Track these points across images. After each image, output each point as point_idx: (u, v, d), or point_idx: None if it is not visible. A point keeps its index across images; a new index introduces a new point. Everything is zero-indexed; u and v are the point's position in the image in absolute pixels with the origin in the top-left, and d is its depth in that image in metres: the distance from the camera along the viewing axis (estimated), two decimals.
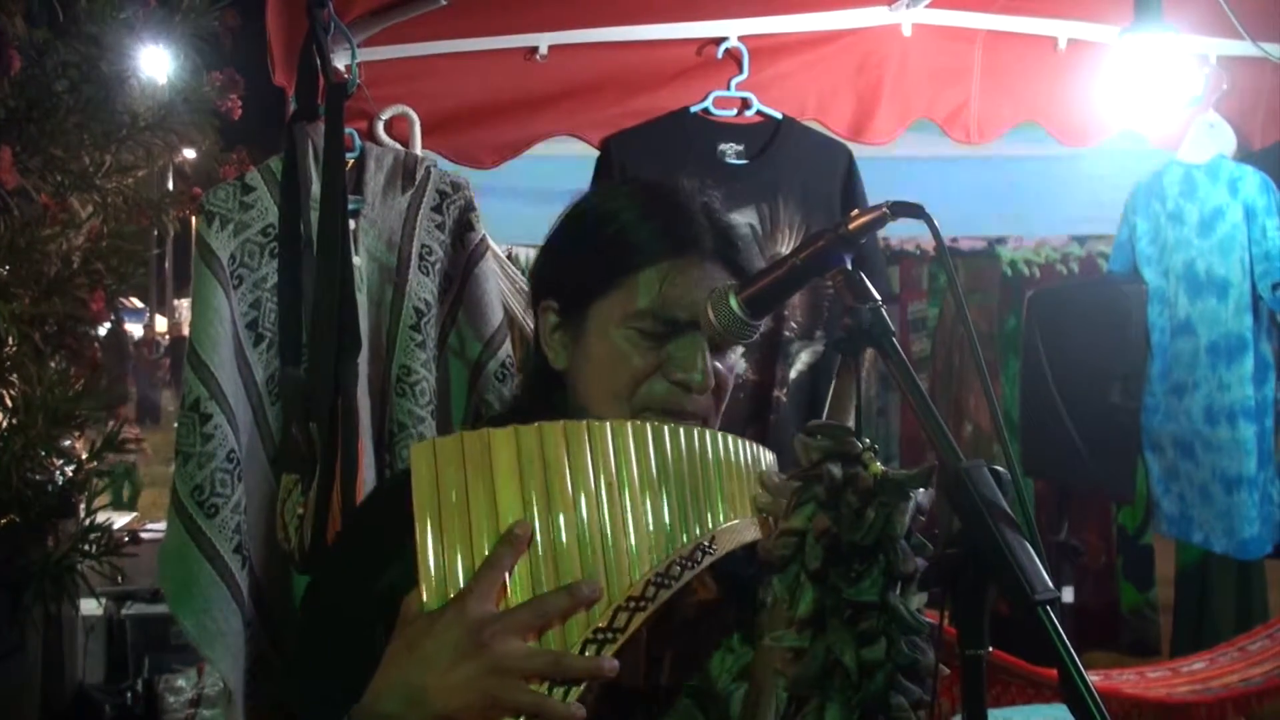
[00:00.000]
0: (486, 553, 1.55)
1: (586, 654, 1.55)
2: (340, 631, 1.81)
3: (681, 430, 1.74)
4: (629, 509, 1.63)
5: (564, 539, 1.59)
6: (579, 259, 1.97)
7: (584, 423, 1.65)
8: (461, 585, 1.55)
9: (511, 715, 1.53)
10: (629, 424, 1.69)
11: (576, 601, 1.55)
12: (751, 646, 1.90)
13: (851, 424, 1.88)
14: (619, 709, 1.80)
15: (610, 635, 1.56)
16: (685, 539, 1.67)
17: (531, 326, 2.13)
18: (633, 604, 1.58)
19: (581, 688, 1.54)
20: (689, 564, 1.65)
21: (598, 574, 1.58)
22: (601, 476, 1.63)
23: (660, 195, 2.02)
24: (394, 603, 1.61)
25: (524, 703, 1.52)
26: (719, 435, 1.80)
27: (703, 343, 1.88)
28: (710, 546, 1.68)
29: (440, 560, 1.55)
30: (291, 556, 3.10)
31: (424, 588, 1.55)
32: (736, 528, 1.74)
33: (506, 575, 1.55)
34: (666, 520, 1.66)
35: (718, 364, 1.92)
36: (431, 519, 1.56)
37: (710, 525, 1.71)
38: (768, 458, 1.89)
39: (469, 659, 1.51)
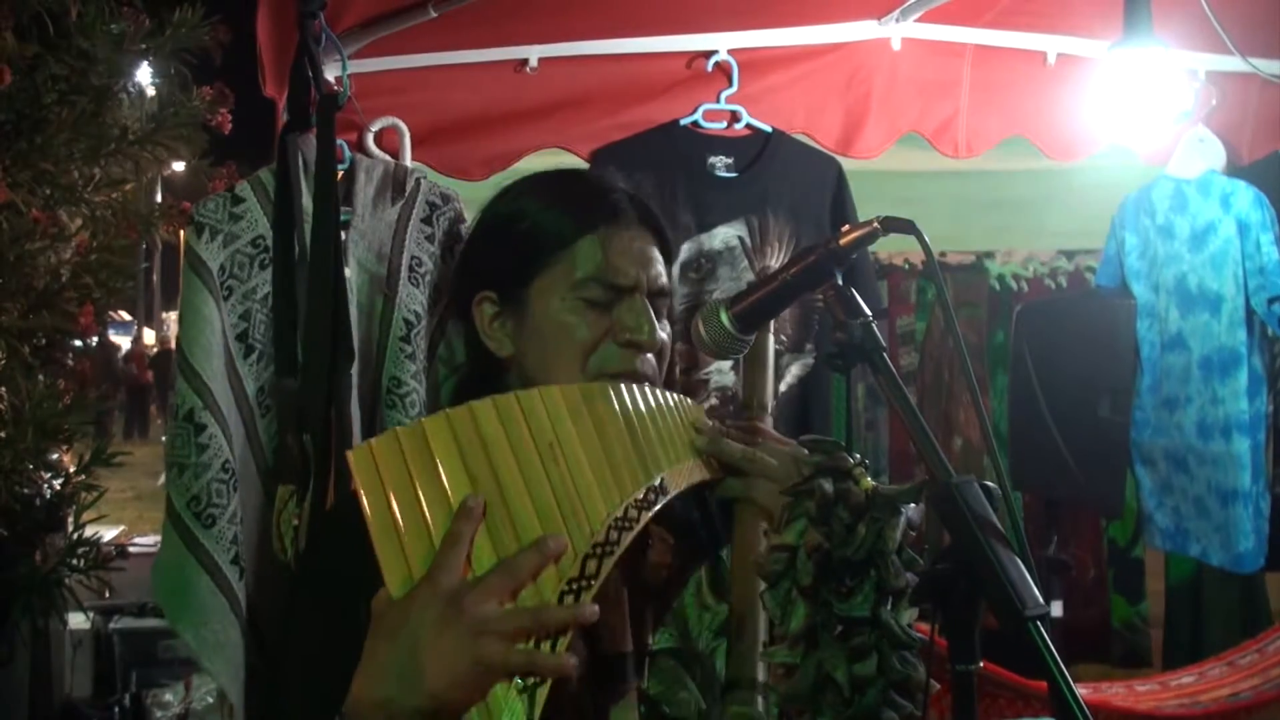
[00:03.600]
0: (443, 532, 1.56)
1: (565, 604, 1.55)
2: (329, 641, 1.79)
3: (610, 387, 1.77)
4: (574, 465, 1.65)
5: (518, 505, 1.60)
6: (510, 250, 1.98)
7: (512, 394, 1.68)
8: (422, 566, 1.55)
9: (505, 677, 1.53)
10: (556, 388, 1.72)
11: (544, 556, 1.56)
12: (725, 600, 1.91)
13: (771, 385, 1.91)
14: (605, 672, 1.82)
15: (585, 583, 1.57)
16: (635, 485, 1.68)
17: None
18: (599, 549, 1.60)
19: (568, 638, 1.54)
20: (645, 505, 1.67)
21: (558, 530, 1.59)
22: (542, 439, 1.65)
23: (571, 177, 2.11)
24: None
25: (514, 662, 1.52)
26: (645, 388, 1.83)
27: (646, 304, 1.92)
28: (662, 488, 1.71)
29: (401, 556, 1.56)
30: (288, 567, 3.10)
31: (389, 583, 1.56)
32: (684, 469, 1.78)
33: (469, 548, 1.56)
34: (614, 469, 1.68)
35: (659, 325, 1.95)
36: (385, 519, 1.56)
37: (654, 467, 1.73)
38: (697, 410, 1.92)
39: (450, 630, 1.50)
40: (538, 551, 1.56)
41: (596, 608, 1.56)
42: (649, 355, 1.93)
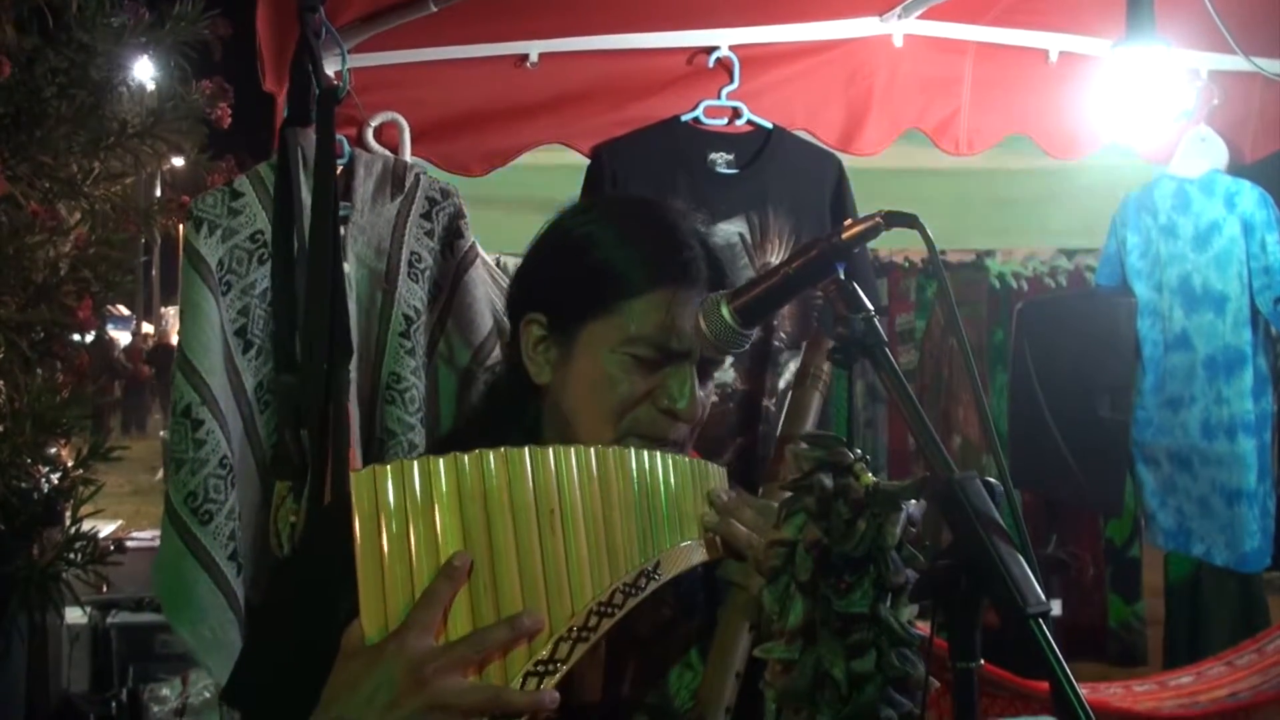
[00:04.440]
0: (426, 583, 1.54)
1: (527, 686, 1.54)
2: (295, 654, 1.77)
3: (632, 453, 1.74)
4: (572, 536, 1.63)
5: (504, 569, 1.57)
6: (572, 279, 1.93)
7: (525, 449, 1.63)
8: (399, 615, 1.53)
9: None
10: (574, 450, 1.68)
11: (517, 634, 1.55)
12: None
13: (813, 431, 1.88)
14: None
15: (552, 667, 1.56)
16: (630, 565, 1.66)
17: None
18: (575, 634, 1.58)
19: None
20: (633, 590, 1.65)
21: (539, 604, 1.57)
22: (544, 504, 1.62)
23: (654, 218, 2.00)
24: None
25: None
26: (667, 457, 1.79)
27: (693, 372, 1.88)
28: (655, 572, 1.69)
29: (380, 592, 1.54)
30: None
31: (365, 619, 1.54)
32: (683, 551, 1.75)
33: (446, 607, 1.54)
34: (611, 547, 1.66)
35: (700, 393, 1.91)
36: (373, 549, 1.54)
37: (656, 550, 1.71)
38: (717, 474, 1.89)
39: (409, 696, 1.50)
40: (511, 628, 1.55)
41: (558, 695, 1.55)
42: (684, 424, 1.90)
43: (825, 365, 2.05)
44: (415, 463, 1.58)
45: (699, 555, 1.77)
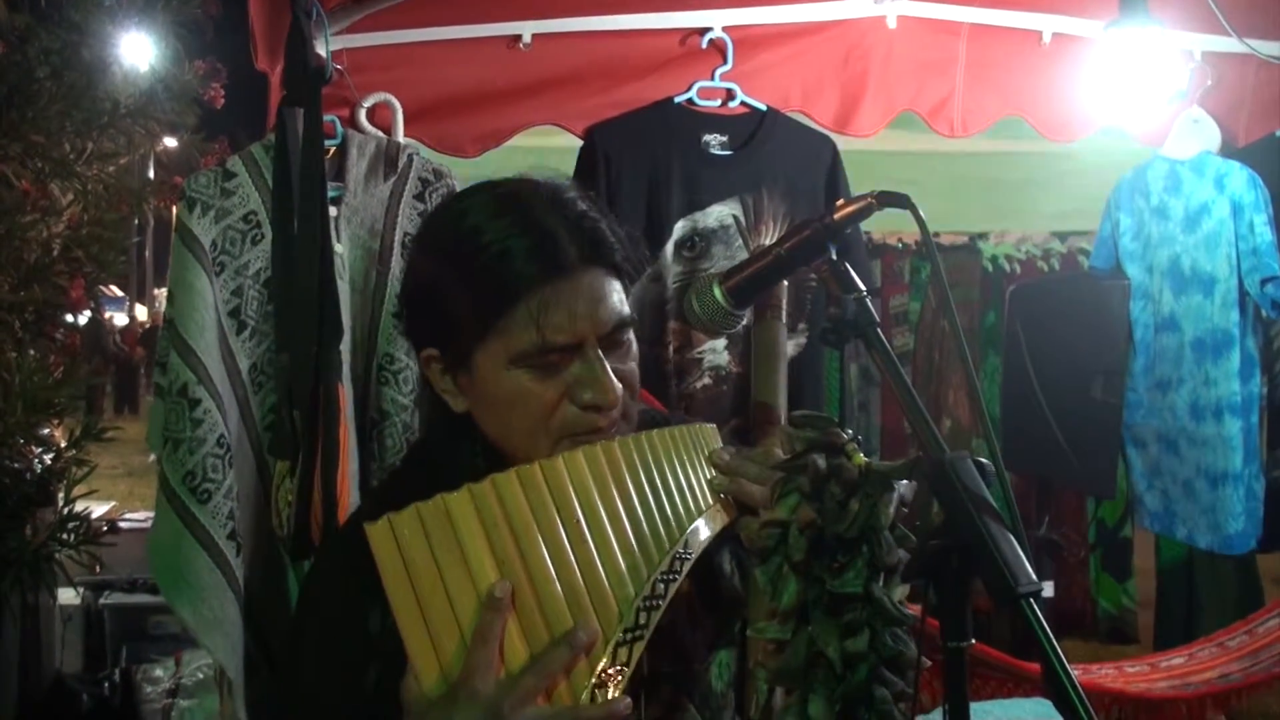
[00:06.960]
0: (472, 621, 1.52)
1: (597, 698, 1.54)
2: (332, 672, 1.78)
3: (630, 441, 1.71)
4: (600, 540, 1.61)
5: (545, 588, 1.56)
6: (445, 308, 1.82)
7: (536, 465, 1.61)
8: (454, 659, 1.52)
9: None
10: (579, 453, 1.65)
11: (576, 650, 1.54)
12: (714, 614, 1.90)
13: (784, 374, 1.87)
14: None
15: (615, 673, 1.56)
16: (661, 553, 1.65)
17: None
18: (629, 635, 1.57)
19: None
20: (671, 576, 1.63)
21: (588, 615, 1.56)
22: (567, 514, 1.60)
23: (509, 212, 1.81)
24: (389, 644, 1.59)
25: None
26: (661, 434, 1.76)
27: (598, 358, 1.77)
28: (686, 552, 1.67)
29: (428, 641, 1.53)
30: (285, 544, 3.09)
31: (420, 672, 1.52)
32: (704, 522, 1.72)
33: (501, 640, 1.52)
34: (637, 539, 1.64)
35: (619, 367, 1.81)
36: (408, 602, 1.53)
37: (678, 529, 1.68)
38: (712, 434, 1.85)
39: None
40: (569, 646, 1.53)
41: (629, 700, 1.55)
42: (611, 410, 1.80)
43: (782, 297, 2.03)
44: (428, 505, 1.56)
45: (720, 521, 1.74)
